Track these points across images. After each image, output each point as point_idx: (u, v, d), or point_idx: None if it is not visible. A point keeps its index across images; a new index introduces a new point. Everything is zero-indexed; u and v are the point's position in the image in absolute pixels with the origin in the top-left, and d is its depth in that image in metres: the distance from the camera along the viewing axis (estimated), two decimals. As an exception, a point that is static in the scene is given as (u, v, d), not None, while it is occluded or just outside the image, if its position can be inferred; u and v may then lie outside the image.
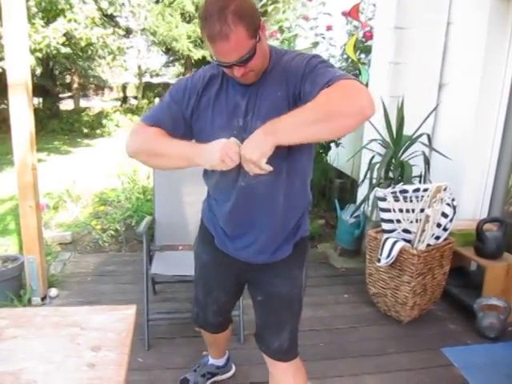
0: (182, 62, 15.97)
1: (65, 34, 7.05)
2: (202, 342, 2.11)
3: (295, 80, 1.28)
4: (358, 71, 3.95)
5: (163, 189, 2.80)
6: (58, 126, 11.65)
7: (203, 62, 11.48)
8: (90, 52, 9.39)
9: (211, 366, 2.15)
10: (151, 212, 2.84)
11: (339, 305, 2.97)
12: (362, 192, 3.53)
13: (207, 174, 1.51)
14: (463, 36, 3.16)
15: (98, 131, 11.98)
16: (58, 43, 6.94)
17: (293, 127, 1.16)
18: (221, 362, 2.16)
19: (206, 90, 1.39)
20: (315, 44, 4.41)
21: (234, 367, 2.23)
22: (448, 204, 2.56)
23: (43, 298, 2.88)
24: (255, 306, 1.64)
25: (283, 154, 1.33)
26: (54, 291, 2.95)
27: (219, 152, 1.19)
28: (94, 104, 17.29)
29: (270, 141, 1.15)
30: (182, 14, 12.42)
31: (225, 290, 1.70)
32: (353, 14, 3.80)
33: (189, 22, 12.44)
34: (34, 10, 6.80)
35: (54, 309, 1.36)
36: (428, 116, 3.02)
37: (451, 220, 2.58)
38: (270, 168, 1.17)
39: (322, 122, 1.13)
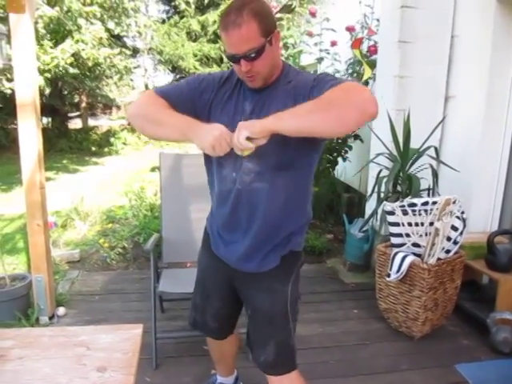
0: (189, 79, 16.12)
1: (73, 55, 7.16)
2: (210, 360, 2.08)
3: (304, 91, 1.35)
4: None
5: (170, 206, 2.79)
6: (67, 145, 11.76)
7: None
8: (97, 72, 9.52)
9: (220, 385, 2.12)
10: (159, 229, 2.84)
11: (349, 321, 2.92)
12: (370, 206, 3.51)
13: (210, 175, 1.58)
14: (468, 49, 3.16)
15: (106, 149, 12.08)
16: (66, 63, 7.04)
17: (290, 115, 1.21)
18: (229, 380, 2.13)
19: (220, 90, 1.48)
20: (320, 60, 4.44)
21: (243, 386, 2.20)
22: (457, 217, 2.52)
23: (51, 317, 2.86)
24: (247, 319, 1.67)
25: (280, 166, 1.41)
26: (61, 310, 2.94)
27: (213, 138, 1.24)
28: (101, 123, 17.43)
29: (263, 122, 1.23)
30: (188, 33, 12.62)
31: (220, 296, 1.73)
32: (355, 45, 3.82)
33: (194, 41, 12.62)
34: (43, 31, 6.94)
35: (61, 329, 1.35)
36: (435, 129, 3.01)
37: (461, 233, 2.55)
38: (248, 145, 1.22)
39: (321, 111, 1.18)
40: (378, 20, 3.87)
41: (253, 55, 1.29)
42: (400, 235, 2.66)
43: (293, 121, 1.20)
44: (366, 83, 3.91)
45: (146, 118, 1.43)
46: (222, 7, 11.91)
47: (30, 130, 2.63)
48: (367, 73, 3.64)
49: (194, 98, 1.47)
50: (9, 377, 1.11)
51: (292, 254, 1.57)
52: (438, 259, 2.52)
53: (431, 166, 3.01)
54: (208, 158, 1.54)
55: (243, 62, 1.31)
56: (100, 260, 3.92)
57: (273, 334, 1.59)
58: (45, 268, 2.79)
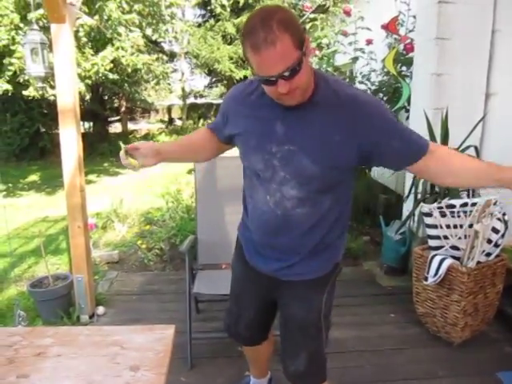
0: (225, 82, 16.32)
1: (112, 61, 7.38)
2: (244, 362, 2.09)
3: (368, 139, 1.27)
4: (399, 84, 3.89)
5: (206, 208, 2.83)
6: (108, 149, 12.11)
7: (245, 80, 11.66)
8: (136, 77, 9.77)
9: (253, 386, 2.13)
10: (194, 231, 2.89)
11: (385, 325, 2.87)
12: (407, 208, 3.43)
13: (246, 190, 1.55)
14: (510, 44, 3.04)
15: (145, 152, 12.36)
16: (105, 70, 7.26)
17: None
18: (263, 382, 2.13)
19: (241, 110, 1.41)
20: (355, 59, 4.38)
21: (276, 389, 2.19)
22: (499, 219, 2.43)
23: (91, 316, 2.96)
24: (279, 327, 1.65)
25: (324, 189, 1.35)
26: (101, 309, 3.04)
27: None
28: (140, 126, 17.93)
29: None
30: (224, 37, 12.76)
31: (254, 305, 1.71)
32: (391, 27, 3.75)
33: (230, 44, 12.75)
34: (85, 39, 7.18)
35: (97, 328, 1.39)
36: (475, 127, 2.91)
37: (503, 235, 2.45)
38: None
39: None
40: (414, 17, 3.79)
41: (291, 72, 1.14)
42: (438, 237, 2.59)
43: None
44: (404, 108, 3.83)
45: None
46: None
47: (70, 136, 2.73)
48: (405, 92, 3.54)
49: (223, 132, 1.52)
50: (47, 373, 1.16)
51: (335, 265, 1.54)
52: (478, 263, 2.43)
53: (471, 166, 2.91)
54: (245, 168, 1.51)
55: (281, 82, 1.15)
56: (138, 261, 4.02)
57: (305, 343, 1.56)
58: (85, 268, 2.89)
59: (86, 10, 6.90)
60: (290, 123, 1.30)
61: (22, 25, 6.37)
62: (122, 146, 1.33)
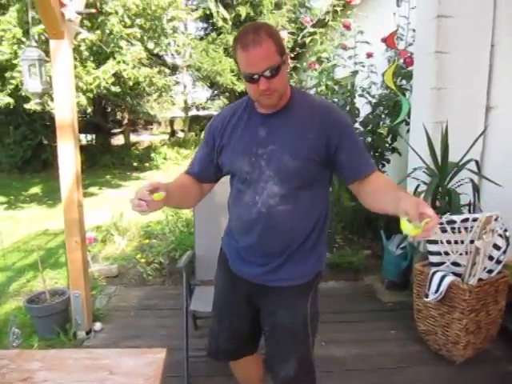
0: (227, 94, 16.37)
1: (114, 74, 7.40)
2: (241, 381, 2.05)
3: (333, 135, 1.45)
4: (399, 98, 3.88)
5: (203, 223, 2.80)
6: (110, 161, 12.14)
7: (246, 94, 11.71)
8: (138, 90, 9.80)
9: (249, 406, 2.08)
10: (193, 246, 2.86)
11: (386, 342, 2.81)
12: (408, 222, 3.39)
13: (231, 197, 1.64)
14: (510, 57, 3.03)
15: (147, 164, 12.39)
16: (107, 83, 7.29)
17: None
18: (259, 403, 2.09)
19: (227, 126, 1.57)
20: (355, 73, 4.37)
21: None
22: (500, 235, 2.39)
23: (88, 332, 2.92)
24: (264, 336, 1.68)
25: (303, 186, 1.47)
26: (98, 325, 3.00)
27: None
28: (143, 138, 17.98)
29: None
30: (226, 49, 12.82)
31: (238, 315, 1.72)
32: (389, 42, 3.75)
33: (232, 57, 12.79)
34: (86, 53, 7.22)
35: (86, 351, 1.36)
36: (475, 141, 2.89)
37: (504, 252, 2.41)
38: None
39: None
40: (414, 30, 3.79)
41: (272, 73, 1.35)
42: (439, 253, 2.55)
43: None
44: (405, 121, 3.82)
45: None
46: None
47: (68, 151, 2.72)
48: (405, 108, 3.51)
49: (212, 153, 1.61)
50: (34, 400, 1.13)
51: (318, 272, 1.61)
52: (480, 280, 2.39)
53: (472, 181, 2.88)
54: (232, 179, 1.63)
55: (262, 80, 1.36)
56: (137, 275, 3.98)
57: (293, 349, 1.59)
58: (82, 284, 2.86)
59: (88, 24, 6.95)
60: (270, 127, 1.49)
61: (24, 39, 6.41)
62: (140, 188, 1.31)
